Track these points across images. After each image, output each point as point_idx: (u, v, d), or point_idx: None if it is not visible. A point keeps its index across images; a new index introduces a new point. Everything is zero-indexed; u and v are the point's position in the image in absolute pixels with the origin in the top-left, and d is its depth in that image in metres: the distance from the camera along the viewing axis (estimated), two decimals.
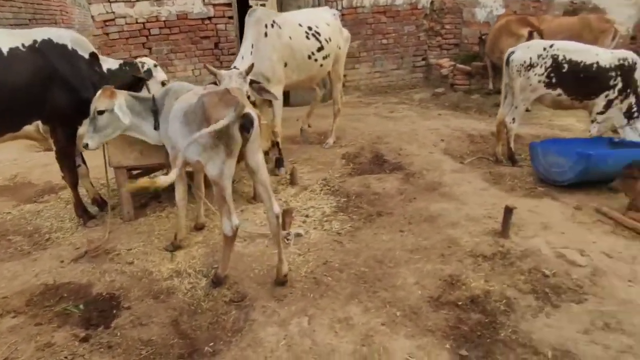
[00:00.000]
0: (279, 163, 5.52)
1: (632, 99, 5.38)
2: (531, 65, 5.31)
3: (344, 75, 9.73)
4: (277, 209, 3.31)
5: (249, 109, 3.16)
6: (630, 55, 5.32)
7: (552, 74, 5.28)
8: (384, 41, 9.85)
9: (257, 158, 3.22)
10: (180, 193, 3.76)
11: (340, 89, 6.27)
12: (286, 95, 8.03)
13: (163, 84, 4.96)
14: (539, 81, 5.32)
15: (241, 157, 3.22)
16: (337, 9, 9.17)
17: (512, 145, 5.71)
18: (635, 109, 5.42)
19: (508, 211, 3.77)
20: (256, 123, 3.16)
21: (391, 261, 3.54)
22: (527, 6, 11.29)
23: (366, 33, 9.59)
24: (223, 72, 4.28)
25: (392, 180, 5.19)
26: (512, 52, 5.51)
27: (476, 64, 9.50)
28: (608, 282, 3.25)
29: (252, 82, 4.32)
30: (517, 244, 3.69)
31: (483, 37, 10.34)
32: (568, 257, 3.51)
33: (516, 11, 11.17)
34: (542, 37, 7.92)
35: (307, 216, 4.46)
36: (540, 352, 2.66)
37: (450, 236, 3.85)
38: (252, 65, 4.25)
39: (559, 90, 5.33)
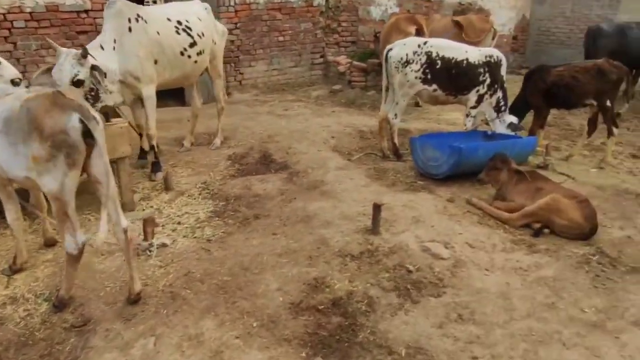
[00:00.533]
0: (155, 167, 5.13)
1: (499, 94, 5.70)
2: (407, 62, 5.41)
3: (240, 74, 9.57)
4: (124, 222, 2.99)
5: (92, 112, 2.82)
6: (495, 52, 5.63)
7: (427, 70, 5.42)
8: (281, 38, 9.70)
9: (102, 168, 2.86)
10: (11, 213, 3.26)
11: (221, 86, 5.99)
12: (180, 93, 7.60)
13: (14, 82, 4.37)
14: (416, 77, 5.45)
15: (84, 167, 2.86)
16: (230, 5, 8.88)
17: (395, 140, 5.81)
18: (502, 103, 5.75)
19: (376, 208, 3.76)
20: (101, 127, 2.83)
21: (257, 267, 3.37)
22: (420, 6, 11.73)
23: (261, 30, 9.37)
24: (63, 49, 3.88)
25: (275, 181, 5.03)
26: (390, 49, 5.59)
27: (372, 61, 9.67)
28: (467, 272, 3.34)
29: (93, 67, 3.91)
30: (385, 241, 3.69)
31: (377, 34, 10.60)
32: (433, 250, 3.56)
33: (409, 10, 11.58)
34: (422, 34, 8.22)
35: (179, 223, 4.17)
36: (394, 352, 2.63)
37: (322, 236, 3.77)
38: (86, 48, 3.91)
39: (434, 86, 5.50)
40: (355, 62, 9.78)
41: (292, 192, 4.72)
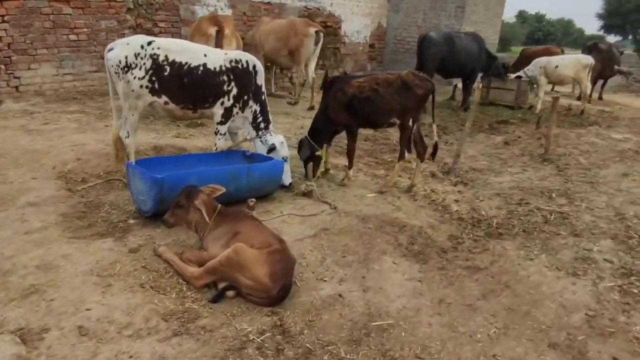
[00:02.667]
0: None
1: (255, 107, 4.73)
2: (128, 66, 4.24)
3: (16, 78, 7.87)
4: None
5: None
6: (245, 56, 4.64)
7: (153, 78, 4.28)
8: (73, 37, 8.16)
9: None
10: None
11: None
12: None
13: None
14: (141, 86, 4.29)
15: None
16: None
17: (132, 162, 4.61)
18: (261, 118, 4.79)
19: None
20: None
21: None
22: (257, 8, 10.77)
23: (43, 26, 7.78)
24: None
25: None
26: (110, 50, 4.38)
27: None
28: None
29: None
30: None
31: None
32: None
33: (245, 12, 10.58)
34: (222, 37, 7.20)
35: None
36: None
37: None
38: None
39: (164, 98, 4.37)
40: None
41: None
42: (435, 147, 5.26)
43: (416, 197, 5.02)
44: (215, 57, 4.44)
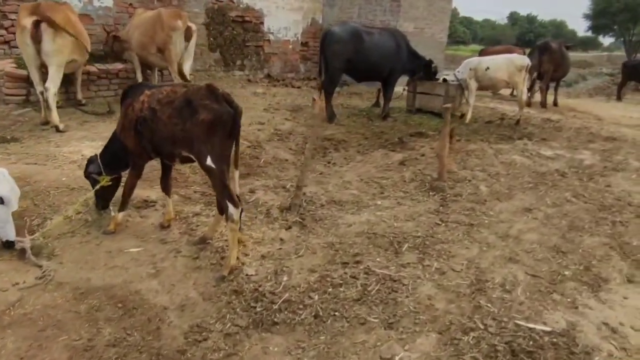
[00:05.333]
0: None
1: None
2: None
3: None
4: None
5: None
6: None
7: None
8: None
9: None
10: None
11: None
12: None
13: None
14: None
15: None
16: None
17: None
18: None
19: None
20: None
21: None
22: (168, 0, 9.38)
23: None
24: None
25: None
26: None
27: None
28: None
29: None
30: None
31: (112, 32, 8.23)
32: None
33: (131, 4, 9.12)
34: (54, 27, 5.73)
35: None
36: None
37: None
38: None
39: None
40: (10, 68, 7.05)
41: None
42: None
43: (202, 254, 3.56)
44: None
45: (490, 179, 5.51)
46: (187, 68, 7.29)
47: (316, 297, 3.06)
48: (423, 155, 6.28)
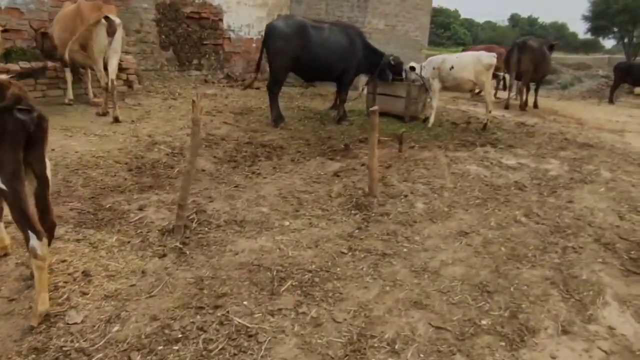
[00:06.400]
0: None
1: None
2: None
3: None
4: None
5: None
6: None
7: None
8: None
9: None
10: None
11: None
12: None
13: None
14: None
15: None
16: None
17: None
18: None
19: None
20: None
21: None
22: None
23: None
24: None
25: None
26: None
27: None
28: None
29: None
30: None
31: (40, 30, 7.51)
32: None
33: None
34: None
35: None
36: None
37: None
38: None
39: None
40: None
41: None
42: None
43: (26, 293, 2.81)
44: None
45: (432, 193, 4.74)
46: (112, 66, 6.55)
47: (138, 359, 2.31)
48: (363, 165, 5.51)
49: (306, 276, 3.12)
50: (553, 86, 23.63)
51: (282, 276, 3.11)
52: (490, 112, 7.56)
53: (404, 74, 7.82)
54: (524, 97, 10.28)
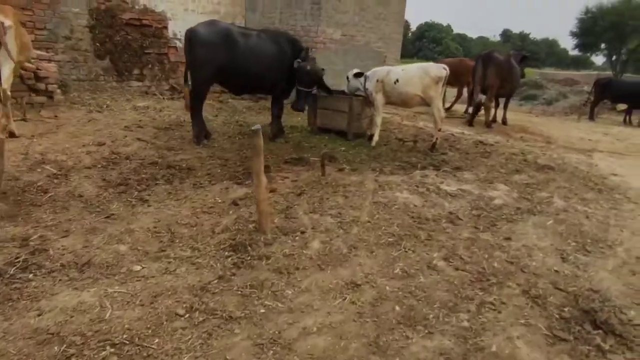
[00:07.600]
0: None
1: None
2: None
3: None
4: None
5: None
6: None
7: None
8: None
9: None
10: None
11: None
12: None
13: None
14: None
15: None
16: None
17: None
18: None
19: None
20: None
21: None
22: None
23: None
24: None
25: None
26: None
27: None
28: None
29: None
30: None
31: None
32: None
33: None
34: None
35: None
36: None
37: None
38: None
39: None
40: None
41: None
42: None
43: None
44: None
45: (338, 229, 3.93)
46: (4, 73, 5.75)
47: None
48: (272, 191, 4.71)
49: (105, 352, 2.30)
50: (538, 101, 23.16)
51: (70, 352, 2.29)
52: (439, 130, 6.79)
53: (346, 81, 7.06)
54: (491, 113, 9.56)
